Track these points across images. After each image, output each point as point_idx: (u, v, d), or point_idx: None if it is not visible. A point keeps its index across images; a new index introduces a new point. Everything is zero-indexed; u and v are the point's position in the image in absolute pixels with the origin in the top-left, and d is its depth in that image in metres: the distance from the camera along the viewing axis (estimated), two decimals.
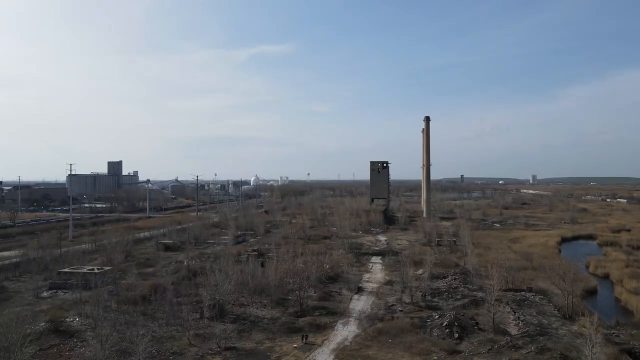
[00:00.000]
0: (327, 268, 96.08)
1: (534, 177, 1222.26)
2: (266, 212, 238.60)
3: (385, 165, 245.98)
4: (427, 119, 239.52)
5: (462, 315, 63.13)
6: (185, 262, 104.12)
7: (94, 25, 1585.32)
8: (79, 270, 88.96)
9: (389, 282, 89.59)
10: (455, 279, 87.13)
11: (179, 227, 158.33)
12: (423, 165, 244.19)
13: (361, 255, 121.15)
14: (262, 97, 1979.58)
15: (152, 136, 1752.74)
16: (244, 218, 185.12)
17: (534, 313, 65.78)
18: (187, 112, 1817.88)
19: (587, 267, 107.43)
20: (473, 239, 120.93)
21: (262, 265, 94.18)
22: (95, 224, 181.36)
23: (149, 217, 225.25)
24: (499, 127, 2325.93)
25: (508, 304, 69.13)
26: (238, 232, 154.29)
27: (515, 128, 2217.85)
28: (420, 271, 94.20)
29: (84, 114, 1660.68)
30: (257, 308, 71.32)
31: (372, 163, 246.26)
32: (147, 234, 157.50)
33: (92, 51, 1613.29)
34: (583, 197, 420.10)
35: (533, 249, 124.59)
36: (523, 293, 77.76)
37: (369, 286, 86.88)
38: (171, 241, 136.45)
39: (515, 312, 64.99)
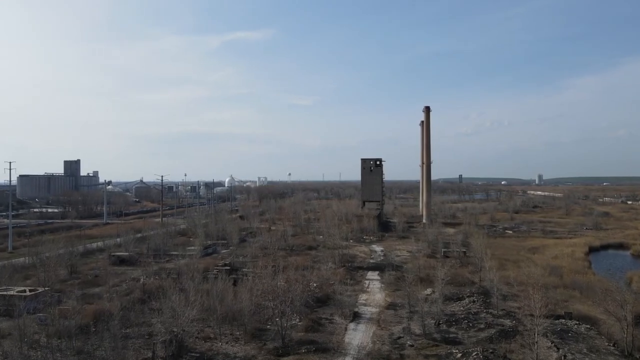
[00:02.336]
0: (314, 287, 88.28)
1: (539, 176, 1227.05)
2: (241, 217, 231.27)
3: (378, 163, 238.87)
4: (427, 110, 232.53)
5: (492, 352, 54.48)
6: (141, 280, 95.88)
7: (49, 10, 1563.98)
8: (5, 293, 79.13)
9: (391, 306, 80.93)
10: (473, 301, 78.73)
11: (138, 235, 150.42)
12: (422, 163, 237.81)
13: (354, 269, 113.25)
14: (237, 89, 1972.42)
15: (115, 132, 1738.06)
16: (216, 224, 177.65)
17: (584, 349, 56.96)
18: (154, 106, 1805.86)
19: (629, 283, 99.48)
20: (486, 249, 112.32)
21: (235, 283, 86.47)
22: (42, 232, 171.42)
23: (107, 223, 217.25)
24: (500, 122, 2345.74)
25: (547, 336, 60.10)
26: (208, 242, 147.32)
27: (517, 123, 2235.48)
28: (428, 291, 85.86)
29: (37, 108, 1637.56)
30: (226, 342, 62.29)
31: (364, 161, 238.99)
32: (100, 243, 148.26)
33: (47, 38, 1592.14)
34: (600, 199, 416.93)
35: (559, 262, 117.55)
36: (562, 320, 68.80)
37: (368, 311, 78.11)
38: (127, 253, 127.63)
39: (559, 349, 56.17)
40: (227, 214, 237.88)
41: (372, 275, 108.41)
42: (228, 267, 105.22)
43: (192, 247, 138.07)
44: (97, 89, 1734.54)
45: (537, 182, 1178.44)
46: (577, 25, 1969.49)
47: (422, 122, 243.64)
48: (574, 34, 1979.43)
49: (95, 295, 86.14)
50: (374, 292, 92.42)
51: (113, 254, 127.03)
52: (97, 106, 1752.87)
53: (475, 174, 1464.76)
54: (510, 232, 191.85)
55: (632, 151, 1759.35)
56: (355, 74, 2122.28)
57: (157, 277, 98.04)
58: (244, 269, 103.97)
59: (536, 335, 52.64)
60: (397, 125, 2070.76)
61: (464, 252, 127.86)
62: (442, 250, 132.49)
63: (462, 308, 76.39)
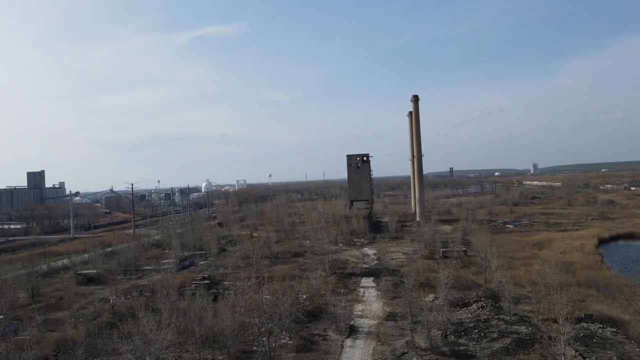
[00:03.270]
0: (304, 299, 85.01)
1: (535, 166, 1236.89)
2: (220, 224, 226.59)
3: (365, 158, 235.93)
4: (416, 99, 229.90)
5: None
6: (110, 301, 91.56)
7: (4, 10, 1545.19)
8: None
9: (391, 316, 77.15)
10: (482, 307, 75.00)
11: (108, 250, 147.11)
12: (413, 157, 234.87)
13: (347, 277, 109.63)
14: (210, 87, 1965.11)
15: (81, 140, 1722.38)
16: (192, 234, 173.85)
17: (614, 358, 53.23)
18: (122, 110, 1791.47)
19: None
20: (489, 247, 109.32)
21: (215, 299, 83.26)
22: (2, 251, 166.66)
23: (74, 238, 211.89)
24: (490, 109, 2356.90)
25: (570, 344, 56.32)
26: (184, 254, 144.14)
27: (508, 110, 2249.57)
28: (431, 297, 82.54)
29: None
30: None
31: (350, 157, 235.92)
32: (66, 261, 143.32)
33: (2, 42, 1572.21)
34: (602, 187, 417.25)
35: (568, 257, 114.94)
36: (584, 324, 65.12)
37: (365, 324, 74.27)
38: (95, 271, 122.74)
39: (585, 358, 52.36)
40: (204, 221, 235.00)
41: (367, 281, 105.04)
42: (207, 281, 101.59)
43: (167, 260, 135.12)
44: (59, 94, 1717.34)
45: (532, 171, 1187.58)
46: (565, 5, 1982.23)
47: (411, 112, 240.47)
48: (562, 14, 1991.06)
49: (58, 320, 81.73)
50: (370, 301, 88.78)
51: (79, 272, 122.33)
52: (61, 112, 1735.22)
53: (466, 166, 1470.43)
54: (511, 226, 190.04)
55: (629, 134, 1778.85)
56: (336, 66, 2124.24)
57: (128, 297, 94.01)
58: (224, 283, 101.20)
59: (562, 344, 48.86)
60: (381, 119, 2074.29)
61: (465, 252, 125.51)
62: (441, 250, 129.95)
63: (470, 315, 72.69)
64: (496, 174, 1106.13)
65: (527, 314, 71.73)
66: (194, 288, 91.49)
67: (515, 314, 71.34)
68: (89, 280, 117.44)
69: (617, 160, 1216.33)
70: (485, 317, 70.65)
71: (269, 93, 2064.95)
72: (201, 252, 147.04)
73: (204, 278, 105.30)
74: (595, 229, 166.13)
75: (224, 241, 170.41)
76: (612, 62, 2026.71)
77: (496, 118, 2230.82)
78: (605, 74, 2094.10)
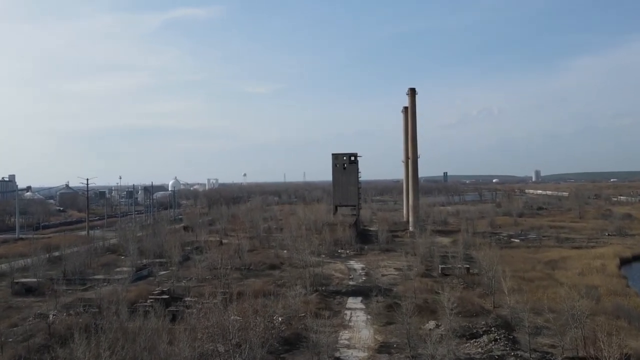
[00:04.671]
0: (279, 323, 79.61)
1: (537, 173, 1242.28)
2: (186, 228, 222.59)
3: (353, 158, 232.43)
4: (412, 93, 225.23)
5: None
6: (50, 317, 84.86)
7: None
8: None
9: (384, 347, 71.46)
10: (495, 339, 69.34)
11: (56, 254, 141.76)
12: (408, 158, 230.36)
13: (330, 295, 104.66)
14: (181, 75, 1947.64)
15: (36, 129, 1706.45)
16: (154, 238, 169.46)
17: None
18: (83, 97, 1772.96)
19: None
20: (497, 264, 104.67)
21: (174, 319, 78.96)
22: None
23: (19, 239, 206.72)
24: (489, 110, 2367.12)
25: None
26: (142, 261, 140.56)
27: (509, 111, 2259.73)
28: (431, 324, 77.72)
29: None
30: None
31: (336, 156, 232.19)
32: (5, 266, 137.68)
33: None
34: (614, 198, 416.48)
35: (588, 279, 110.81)
36: None
37: (353, 356, 68.64)
38: (36, 279, 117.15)
39: None
40: (168, 224, 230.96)
41: (354, 302, 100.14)
42: (166, 296, 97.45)
43: (122, 269, 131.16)
44: (13, 78, 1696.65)
45: (534, 179, 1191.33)
46: None
47: (406, 108, 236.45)
48: (571, 7, 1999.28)
49: None
50: (359, 327, 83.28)
51: (17, 280, 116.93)
52: (14, 98, 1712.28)
53: (461, 171, 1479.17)
54: (517, 241, 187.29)
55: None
56: (320, 57, 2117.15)
57: (71, 313, 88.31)
58: (186, 299, 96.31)
59: None
60: (368, 116, 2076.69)
61: (468, 269, 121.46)
62: (440, 266, 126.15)
63: (480, 350, 67.08)
64: (494, 180, 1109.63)
65: (548, 349, 66.68)
66: (149, 304, 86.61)
67: (534, 349, 65.99)
68: (28, 290, 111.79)
69: (627, 170, 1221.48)
70: (499, 353, 65.12)
71: (247, 84, 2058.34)
72: (162, 260, 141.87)
73: (163, 292, 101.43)
74: (615, 247, 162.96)
75: (189, 248, 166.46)
76: (624, 62, 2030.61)
77: (495, 119, 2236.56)
78: (617, 75, 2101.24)
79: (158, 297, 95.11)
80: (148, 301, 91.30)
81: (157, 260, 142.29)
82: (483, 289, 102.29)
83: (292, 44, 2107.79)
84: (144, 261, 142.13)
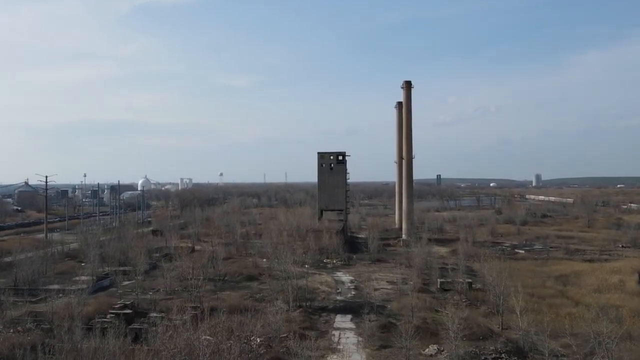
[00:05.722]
0: (257, 345, 76.30)
1: (537, 177, 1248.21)
2: (155, 232, 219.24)
3: (341, 158, 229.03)
4: (408, 86, 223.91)
5: None
6: None
7: None
8: None
9: None
10: None
11: (8, 259, 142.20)
12: (402, 158, 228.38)
13: (316, 312, 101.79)
14: (153, 66, 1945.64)
15: None
16: (119, 243, 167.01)
17: None
18: (46, 88, 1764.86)
19: None
20: (505, 279, 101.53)
21: (136, 339, 76.86)
22: None
23: None
24: (486, 107, 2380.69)
25: None
26: (104, 269, 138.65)
27: (508, 109, 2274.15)
28: (433, 349, 74.66)
29: None
30: None
31: (322, 155, 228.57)
32: None
33: None
34: (624, 206, 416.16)
35: (605, 297, 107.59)
36: None
37: None
38: None
39: None
40: (135, 227, 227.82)
41: (343, 320, 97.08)
42: (128, 311, 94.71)
43: (81, 278, 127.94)
44: None
45: (534, 183, 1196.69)
46: None
47: (399, 103, 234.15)
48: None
49: None
50: (349, 350, 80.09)
51: None
52: None
53: (456, 173, 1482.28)
54: (522, 252, 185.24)
55: None
56: (305, 47, 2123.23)
57: (18, 329, 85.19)
58: (151, 314, 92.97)
59: None
60: (357, 113, 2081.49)
61: (470, 284, 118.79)
62: (439, 280, 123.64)
63: None
64: (491, 184, 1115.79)
65: None
66: (109, 320, 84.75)
67: None
68: None
69: (636, 175, 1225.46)
70: None
71: (226, 76, 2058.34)
72: (127, 268, 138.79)
73: (125, 306, 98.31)
74: (632, 260, 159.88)
75: (157, 255, 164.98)
76: (633, 57, 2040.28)
77: (493, 118, 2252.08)
78: (625, 71, 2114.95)
79: (119, 311, 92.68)
80: (108, 316, 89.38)
81: (121, 268, 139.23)
82: (488, 307, 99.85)
83: (275, 32, 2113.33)
84: (106, 269, 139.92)
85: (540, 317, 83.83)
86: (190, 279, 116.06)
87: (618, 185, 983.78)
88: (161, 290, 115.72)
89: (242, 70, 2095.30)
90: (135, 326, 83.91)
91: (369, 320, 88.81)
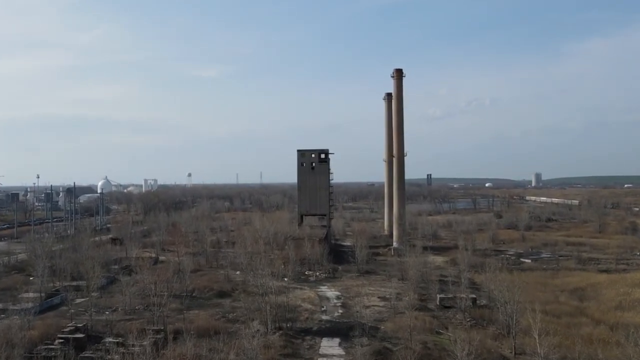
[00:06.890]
0: None
1: (537, 176, 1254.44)
2: (115, 240, 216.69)
3: (324, 156, 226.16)
4: (399, 75, 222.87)
5: None
6: None
7: None
8: None
9: None
10: None
11: None
12: (392, 156, 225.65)
13: (298, 335, 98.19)
14: (114, 55, 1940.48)
15: None
16: (73, 254, 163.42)
17: None
18: None
19: None
20: (517, 295, 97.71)
21: None
22: None
23: None
24: (480, 100, 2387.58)
25: None
26: (55, 285, 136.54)
27: (504, 102, 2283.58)
28: None
29: None
30: None
31: (302, 153, 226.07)
32: None
33: None
34: (636, 208, 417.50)
35: (627, 314, 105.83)
36: None
37: None
38: None
39: None
40: (92, 235, 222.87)
41: (330, 345, 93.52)
42: (80, 335, 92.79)
43: (28, 295, 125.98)
44: None
45: (534, 183, 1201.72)
46: None
47: (389, 94, 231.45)
48: None
49: None
50: None
51: None
52: None
53: (448, 173, 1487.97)
54: (529, 261, 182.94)
55: None
56: (279, 34, 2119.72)
57: None
58: (107, 339, 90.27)
59: None
60: (339, 107, 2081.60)
61: (474, 300, 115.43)
62: (438, 296, 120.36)
63: None
64: (487, 184, 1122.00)
65: None
66: (57, 347, 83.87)
67: None
68: None
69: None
70: None
71: (193, 66, 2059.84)
72: (80, 283, 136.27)
73: (77, 329, 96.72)
74: None
75: (116, 267, 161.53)
76: (635, 46, 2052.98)
77: (488, 112, 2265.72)
78: (631, 60, 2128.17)
79: (69, 336, 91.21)
80: (56, 342, 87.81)
81: (74, 283, 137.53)
82: (497, 327, 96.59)
83: (247, 18, 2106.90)
84: (57, 284, 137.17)
85: (559, 340, 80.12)
86: (153, 295, 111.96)
87: (626, 185, 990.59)
88: (119, 309, 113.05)
89: (211, 60, 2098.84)
90: (87, 354, 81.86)
91: (361, 345, 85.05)
